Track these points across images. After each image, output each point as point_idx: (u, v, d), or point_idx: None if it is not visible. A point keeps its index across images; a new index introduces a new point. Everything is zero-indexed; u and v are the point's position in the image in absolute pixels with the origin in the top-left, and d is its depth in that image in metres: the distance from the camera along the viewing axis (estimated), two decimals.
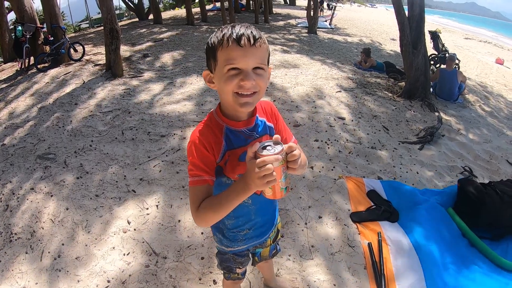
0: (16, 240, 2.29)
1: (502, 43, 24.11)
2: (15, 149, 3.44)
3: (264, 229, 1.28)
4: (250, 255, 1.42)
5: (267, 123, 1.13)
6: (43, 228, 2.38)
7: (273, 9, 21.42)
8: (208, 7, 20.37)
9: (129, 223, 2.40)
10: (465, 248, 2.44)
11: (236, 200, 0.91)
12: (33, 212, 2.53)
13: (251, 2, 21.80)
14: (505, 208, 2.61)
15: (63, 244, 2.23)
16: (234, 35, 0.89)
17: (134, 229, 2.34)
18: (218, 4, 21.33)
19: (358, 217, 2.62)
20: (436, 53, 8.95)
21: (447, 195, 2.95)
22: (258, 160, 0.81)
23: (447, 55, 8.42)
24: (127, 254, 2.14)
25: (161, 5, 28.68)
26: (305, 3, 17.09)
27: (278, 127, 1.17)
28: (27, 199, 2.68)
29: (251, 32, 0.91)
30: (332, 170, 3.19)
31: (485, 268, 2.28)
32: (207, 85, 1.02)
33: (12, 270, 2.05)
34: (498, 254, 2.37)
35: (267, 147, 0.85)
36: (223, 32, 0.91)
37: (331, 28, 15.16)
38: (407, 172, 3.40)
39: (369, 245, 2.32)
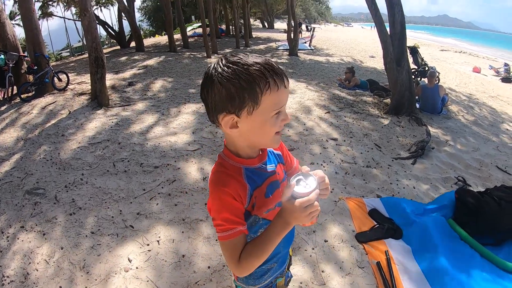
0: (8, 283, 2.13)
1: (477, 52, 25.38)
2: (1, 184, 3.26)
3: (285, 257, 1.25)
4: None
5: (275, 151, 1.11)
6: (37, 270, 2.23)
7: (253, 33, 21.88)
8: (189, 33, 20.63)
9: (130, 261, 2.28)
10: (469, 256, 2.48)
11: (277, 240, 0.89)
12: (25, 253, 2.37)
13: (231, 27, 22.20)
14: (503, 213, 2.68)
15: (60, 287, 2.10)
16: (281, 77, 0.83)
17: (137, 267, 2.22)
18: (198, 30, 21.62)
19: (363, 237, 2.60)
20: (416, 67, 9.25)
21: (446, 207, 3.00)
22: (302, 200, 0.80)
23: (426, 68, 8.73)
24: None
25: (141, 32, 28.88)
26: (283, 26, 17.53)
27: (284, 152, 1.15)
28: (18, 238, 2.52)
29: (280, 67, 0.86)
30: (331, 192, 3.17)
31: (491, 274, 2.32)
32: (226, 131, 0.88)
33: None
34: (502, 258, 2.42)
35: (300, 182, 0.84)
36: (259, 69, 0.80)
37: (311, 49, 15.54)
38: (404, 188, 3.42)
39: (378, 264, 2.31)
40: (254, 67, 0.80)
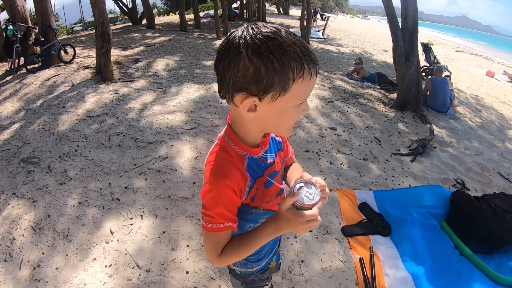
0: None
1: (492, 56, 24.68)
2: None
3: (277, 238, 1.22)
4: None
5: (276, 138, 1.03)
6: (23, 236, 2.27)
7: (267, 18, 21.54)
8: (201, 13, 20.42)
9: (112, 233, 2.30)
10: (459, 262, 2.40)
11: (264, 242, 0.84)
12: (14, 218, 2.42)
13: (245, 10, 21.93)
14: (498, 221, 2.58)
15: (43, 253, 2.13)
16: (315, 65, 0.71)
17: (117, 240, 2.24)
18: (211, 12, 21.44)
19: (349, 231, 2.56)
20: (428, 65, 9.04)
21: (440, 207, 2.90)
22: (307, 213, 0.75)
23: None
24: (109, 266, 2.04)
25: (155, 11, 28.73)
26: (299, 13, 17.21)
27: (284, 140, 1.09)
28: (9, 204, 2.57)
29: (313, 52, 0.72)
30: None
31: (480, 283, 2.24)
32: (243, 113, 0.74)
33: None
34: (492, 268, 2.34)
35: (302, 191, 0.79)
36: (296, 52, 0.67)
37: (324, 38, 15.30)
38: (399, 184, 3.36)
39: (361, 260, 2.26)
40: (292, 49, 0.67)
